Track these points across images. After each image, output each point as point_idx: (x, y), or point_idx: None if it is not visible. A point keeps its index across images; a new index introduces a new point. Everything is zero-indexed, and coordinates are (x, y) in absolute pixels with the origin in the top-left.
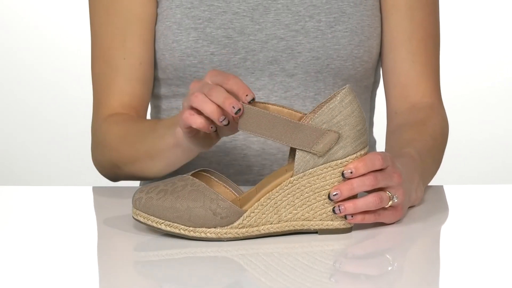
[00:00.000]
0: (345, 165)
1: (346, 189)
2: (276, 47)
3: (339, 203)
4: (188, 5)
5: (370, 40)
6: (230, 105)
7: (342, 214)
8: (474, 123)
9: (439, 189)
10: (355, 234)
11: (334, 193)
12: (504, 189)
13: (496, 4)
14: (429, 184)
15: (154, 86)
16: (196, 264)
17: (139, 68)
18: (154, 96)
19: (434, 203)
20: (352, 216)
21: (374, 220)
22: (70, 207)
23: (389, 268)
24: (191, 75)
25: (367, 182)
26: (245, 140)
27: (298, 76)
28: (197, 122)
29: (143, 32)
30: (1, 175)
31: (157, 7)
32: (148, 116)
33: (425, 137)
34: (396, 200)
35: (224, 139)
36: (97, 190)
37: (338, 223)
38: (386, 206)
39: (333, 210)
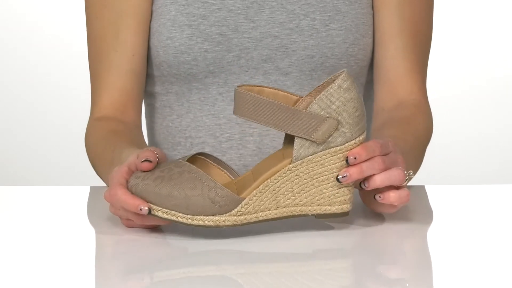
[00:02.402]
0: (344, 152)
1: (356, 172)
2: (271, 45)
3: (343, 170)
4: (183, 2)
5: (365, 38)
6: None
7: (348, 181)
8: (471, 122)
9: (435, 189)
10: (353, 250)
11: (343, 175)
12: (503, 189)
13: (491, 3)
14: (431, 184)
15: (148, 83)
16: (195, 284)
17: (132, 60)
18: (148, 94)
19: (420, 204)
20: (366, 185)
21: (397, 201)
22: (69, 207)
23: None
24: (185, 72)
25: (376, 166)
26: (241, 139)
27: (292, 75)
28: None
29: (136, 25)
30: (1, 175)
31: (152, 3)
32: (143, 115)
33: (407, 136)
34: (412, 175)
35: (220, 139)
36: (96, 190)
37: (335, 208)
38: (403, 184)
39: (337, 179)
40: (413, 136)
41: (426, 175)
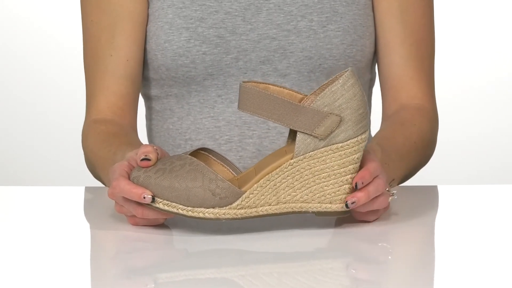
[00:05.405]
0: (346, 150)
1: (364, 196)
2: (268, 47)
3: (350, 196)
4: (180, 4)
5: (363, 39)
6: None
7: (357, 205)
8: (471, 122)
9: (433, 189)
10: (353, 250)
11: (352, 201)
12: (503, 189)
13: (493, 3)
14: (426, 184)
15: (147, 87)
16: (195, 286)
17: (126, 65)
18: (147, 97)
19: (428, 203)
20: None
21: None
22: (68, 207)
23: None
24: (183, 75)
25: (380, 188)
26: (241, 142)
27: (291, 76)
28: (144, 222)
29: (132, 29)
30: (0, 175)
31: (148, 7)
32: (143, 116)
33: (397, 137)
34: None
35: (219, 141)
36: (94, 190)
37: (336, 206)
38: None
39: (346, 205)
40: (403, 136)
41: (426, 175)
